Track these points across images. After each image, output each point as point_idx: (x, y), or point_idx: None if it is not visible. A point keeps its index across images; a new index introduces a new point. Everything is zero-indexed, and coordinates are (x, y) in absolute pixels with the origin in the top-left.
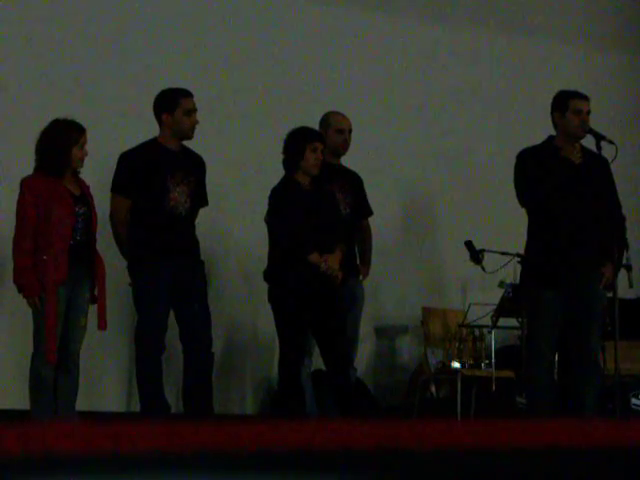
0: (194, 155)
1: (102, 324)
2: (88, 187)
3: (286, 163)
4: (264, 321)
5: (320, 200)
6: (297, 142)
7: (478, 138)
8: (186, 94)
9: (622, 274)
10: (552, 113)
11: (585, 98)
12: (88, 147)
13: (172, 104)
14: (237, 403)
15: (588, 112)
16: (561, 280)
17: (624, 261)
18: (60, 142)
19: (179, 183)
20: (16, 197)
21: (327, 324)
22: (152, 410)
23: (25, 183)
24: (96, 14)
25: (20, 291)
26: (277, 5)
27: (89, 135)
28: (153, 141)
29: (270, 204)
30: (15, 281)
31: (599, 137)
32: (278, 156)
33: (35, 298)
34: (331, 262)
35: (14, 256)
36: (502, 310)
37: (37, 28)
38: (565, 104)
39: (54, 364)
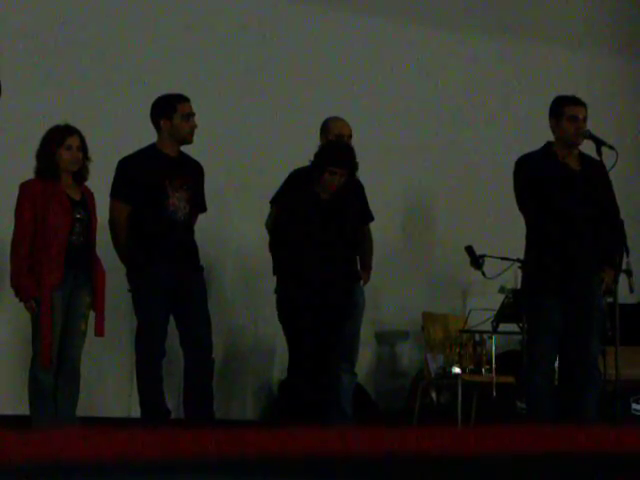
0: (192, 161)
1: (100, 330)
2: (92, 195)
3: (312, 170)
4: (264, 326)
5: (335, 210)
6: (319, 158)
7: (479, 144)
8: (183, 99)
9: (622, 279)
10: (549, 119)
11: (581, 104)
12: (91, 153)
13: (170, 110)
14: (238, 408)
15: (584, 118)
16: (561, 286)
17: (624, 266)
18: (47, 145)
19: (178, 189)
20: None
21: (333, 329)
22: (152, 416)
23: (23, 187)
24: (98, 19)
25: (17, 295)
26: (277, 10)
27: (93, 141)
28: (151, 147)
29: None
30: (11, 284)
31: (600, 143)
32: (278, 161)
33: (31, 301)
34: None
35: (11, 260)
36: (502, 315)
37: (37, 32)
38: (560, 111)
39: (48, 367)
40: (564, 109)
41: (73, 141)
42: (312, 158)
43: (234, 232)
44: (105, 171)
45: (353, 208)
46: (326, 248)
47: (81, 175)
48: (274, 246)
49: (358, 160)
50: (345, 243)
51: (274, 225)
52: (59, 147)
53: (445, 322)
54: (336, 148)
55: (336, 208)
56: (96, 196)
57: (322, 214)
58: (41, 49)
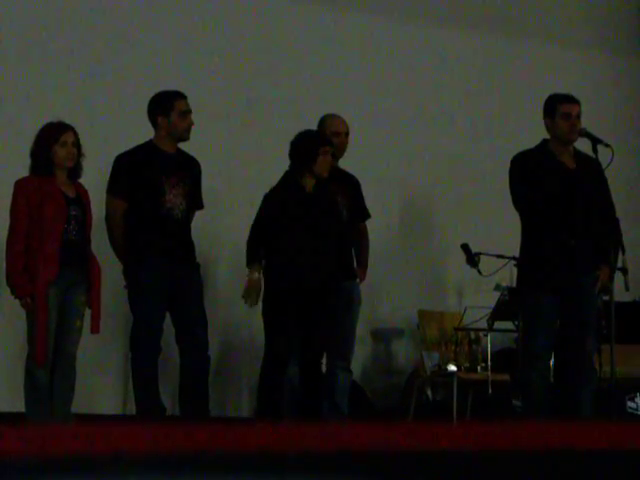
0: (189, 157)
1: (95, 327)
2: (86, 192)
3: (295, 165)
4: (260, 323)
5: (320, 204)
6: (309, 145)
7: (475, 142)
8: (180, 96)
9: (618, 277)
10: (544, 118)
11: (574, 101)
12: (85, 149)
13: (167, 107)
14: (233, 405)
15: (578, 115)
16: (557, 283)
17: (620, 264)
18: (42, 142)
19: (175, 185)
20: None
21: (313, 322)
22: (148, 412)
23: (18, 184)
24: (96, 17)
25: (12, 292)
26: (275, 8)
27: (86, 137)
28: (148, 144)
29: (262, 204)
30: (7, 282)
31: (595, 140)
32: (274, 158)
33: (27, 298)
34: (249, 288)
35: (6, 257)
36: (498, 313)
37: (35, 31)
38: (554, 108)
39: (43, 365)
40: (558, 107)
41: (68, 137)
42: (290, 159)
43: (230, 229)
44: (102, 168)
45: (338, 199)
46: (311, 240)
47: (75, 172)
48: (251, 240)
49: (354, 158)
50: (331, 236)
51: (255, 219)
52: (55, 144)
53: (441, 320)
54: (313, 132)
55: (321, 200)
56: (92, 193)
57: (307, 207)
58: (38, 47)
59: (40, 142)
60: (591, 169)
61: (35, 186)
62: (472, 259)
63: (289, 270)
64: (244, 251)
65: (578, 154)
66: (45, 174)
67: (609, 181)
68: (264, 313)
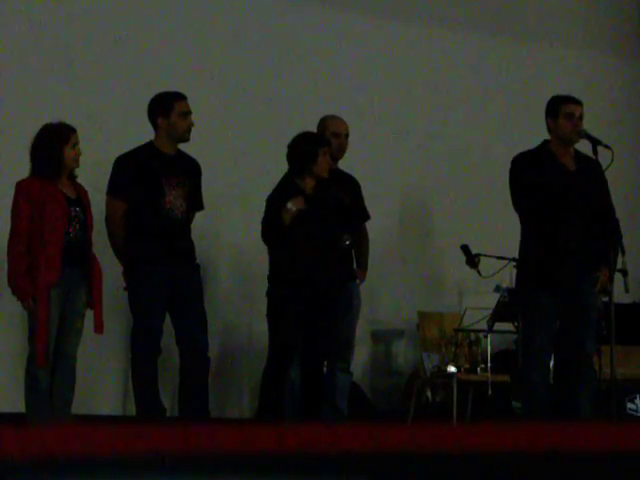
0: (189, 159)
1: (99, 328)
2: (86, 192)
3: (294, 167)
4: (260, 324)
5: (321, 204)
6: (309, 146)
7: (474, 143)
8: (180, 97)
9: (618, 279)
10: (546, 119)
11: (577, 102)
12: (85, 150)
13: (167, 108)
14: (233, 407)
15: (581, 116)
16: (556, 285)
17: (619, 266)
18: (51, 144)
19: (175, 187)
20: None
21: (317, 323)
22: (148, 413)
23: (19, 186)
24: (96, 17)
25: (14, 293)
26: (276, 8)
27: (86, 138)
28: (149, 145)
29: (266, 208)
30: (9, 283)
31: (595, 142)
32: (274, 159)
33: (29, 300)
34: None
35: (8, 259)
36: (498, 314)
37: (34, 31)
38: (557, 109)
39: (44, 366)
40: (560, 107)
41: (75, 139)
42: (288, 162)
43: (230, 229)
44: (102, 169)
45: (338, 199)
46: (313, 243)
47: (72, 172)
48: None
49: (354, 159)
50: (333, 236)
51: (262, 222)
52: (65, 145)
53: (441, 321)
54: (311, 134)
55: (321, 200)
56: (92, 194)
57: (308, 209)
58: (38, 48)
59: (49, 144)
60: (591, 170)
61: (37, 188)
62: (472, 260)
63: (292, 272)
64: (244, 251)
65: (578, 155)
66: (51, 176)
67: (609, 182)
68: (268, 315)
